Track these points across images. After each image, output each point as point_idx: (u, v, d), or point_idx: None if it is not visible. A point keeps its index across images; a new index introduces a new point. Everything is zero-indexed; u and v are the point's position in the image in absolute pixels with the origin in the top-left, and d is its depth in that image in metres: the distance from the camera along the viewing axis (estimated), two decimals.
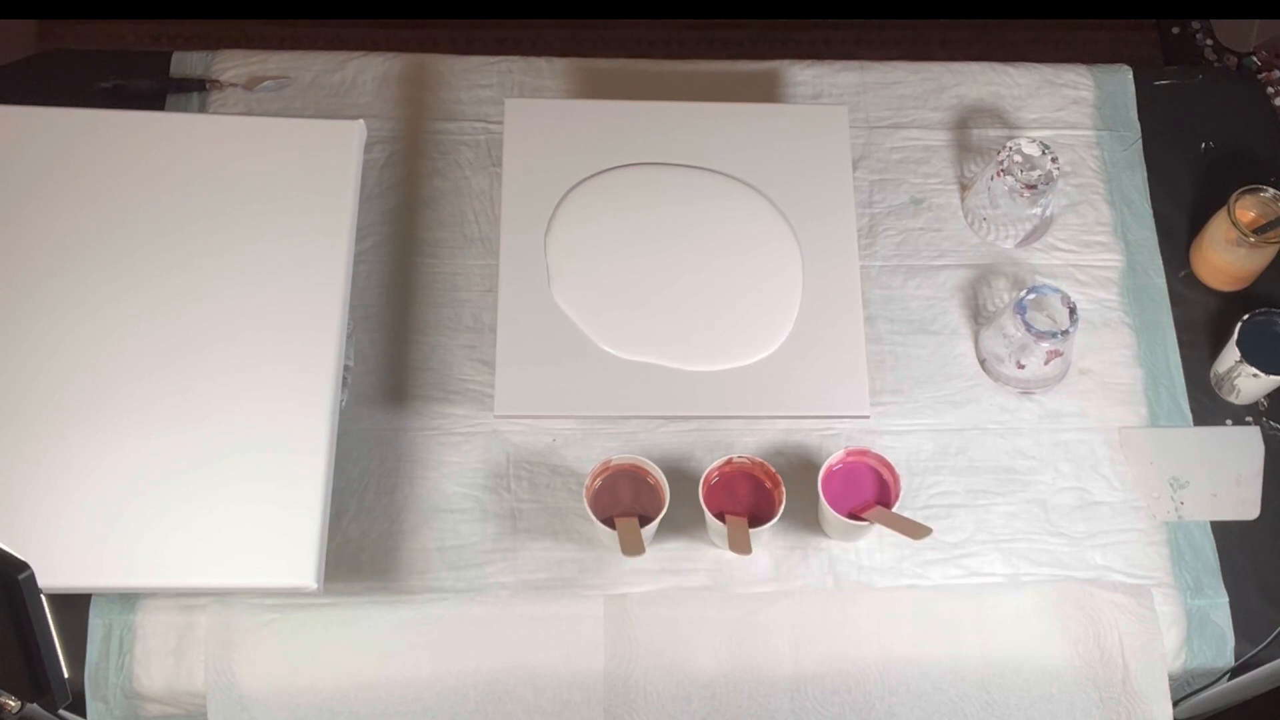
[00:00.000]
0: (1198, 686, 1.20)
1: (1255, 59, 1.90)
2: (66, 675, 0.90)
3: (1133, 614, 1.15)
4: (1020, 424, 1.24)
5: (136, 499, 1.08)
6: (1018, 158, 1.26)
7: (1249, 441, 1.25)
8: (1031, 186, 1.25)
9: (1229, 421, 1.26)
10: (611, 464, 1.13)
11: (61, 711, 1.03)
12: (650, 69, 1.40)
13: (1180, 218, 1.35)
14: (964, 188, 1.35)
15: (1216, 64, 1.97)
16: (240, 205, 1.19)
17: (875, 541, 1.19)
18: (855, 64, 1.41)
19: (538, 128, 1.26)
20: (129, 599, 1.12)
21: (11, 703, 0.92)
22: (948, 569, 1.18)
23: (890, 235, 1.32)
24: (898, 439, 1.23)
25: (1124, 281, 1.31)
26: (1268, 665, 1.15)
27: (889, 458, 1.15)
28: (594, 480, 1.13)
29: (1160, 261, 1.32)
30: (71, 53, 1.45)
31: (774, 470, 1.13)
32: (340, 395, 1.16)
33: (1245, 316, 1.22)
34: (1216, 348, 1.27)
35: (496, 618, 1.14)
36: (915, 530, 1.09)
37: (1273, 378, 1.20)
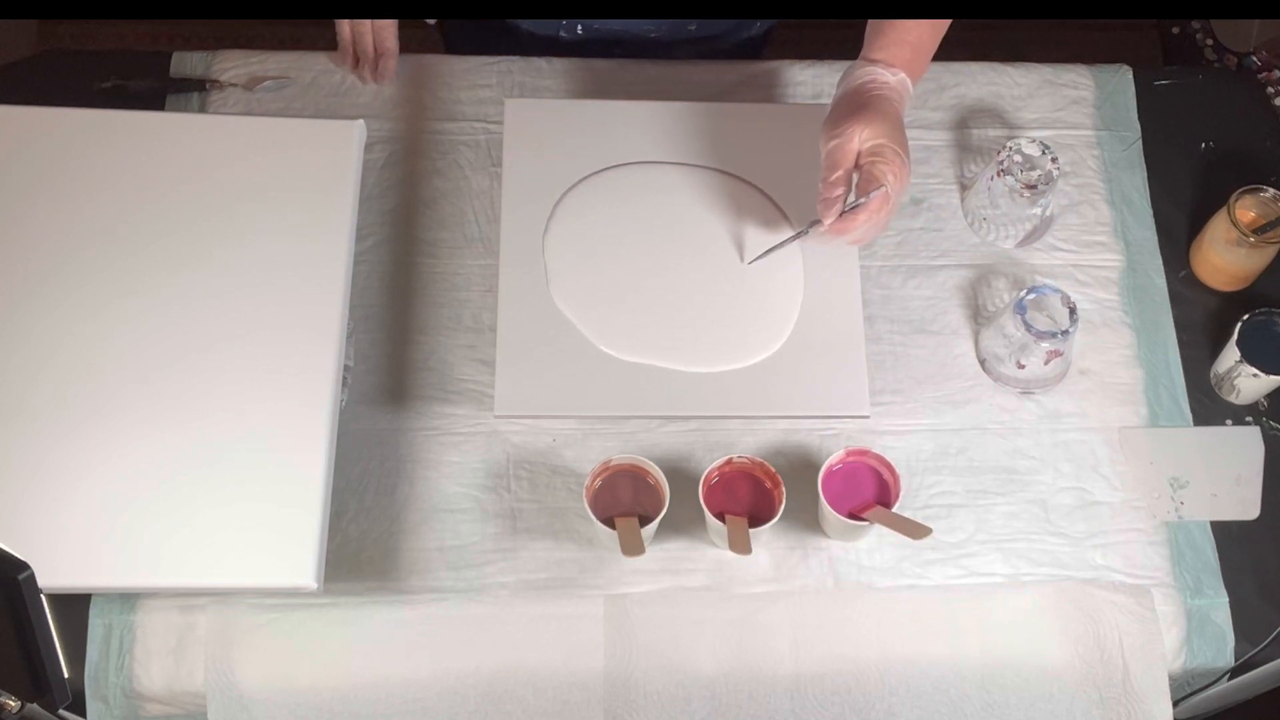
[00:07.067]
0: (1198, 686, 1.20)
1: (1255, 59, 1.90)
2: (66, 675, 0.90)
3: (1133, 614, 1.15)
4: (1020, 424, 1.24)
5: (136, 499, 1.08)
6: (1018, 158, 1.26)
7: (1249, 441, 1.25)
8: (1031, 186, 1.25)
9: (1229, 421, 1.26)
10: (611, 464, 1.13)
11: (61, 711, 1.03)
12: (650, 69, 1.40)
13: (1180, 218, 1.35)
14: (964, 188, 1.35)
15: (1216, 64, 1.97)
16: (240, 205, 1.19)
17: (875, 541, 1.19)
18: None
19: (537, 128, 1.26)
20: (129, 599, 1.12)
21: (11, 703, 0.91)
22: (948, 569, 1.18)
23: (890, 235, 1.32)
24: (898, 439, 1.23)
25: (1124, 281, 1.31)
26: (1268, 665, 1.15)
27: (889, 458, 1.15)
28: (594, 480, 1.13)
29: (1160, 261, 1.32)
30: (71, 53, 1.45)
31: (774, 470, 1.13)
32: (340, 395, 1.16)
33: (1245, 316, 1.22)
34: (1216, 348, 1.27)
35: (496, 618, 1.14)
36: (915, 530, 1.09)
37: (1273, 378, 1.20)
